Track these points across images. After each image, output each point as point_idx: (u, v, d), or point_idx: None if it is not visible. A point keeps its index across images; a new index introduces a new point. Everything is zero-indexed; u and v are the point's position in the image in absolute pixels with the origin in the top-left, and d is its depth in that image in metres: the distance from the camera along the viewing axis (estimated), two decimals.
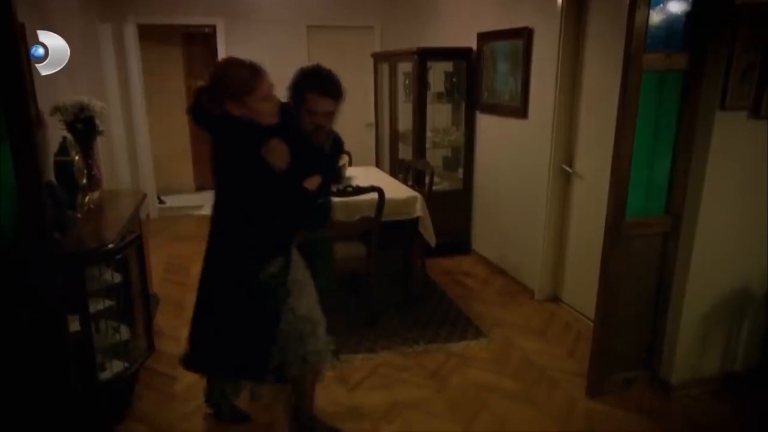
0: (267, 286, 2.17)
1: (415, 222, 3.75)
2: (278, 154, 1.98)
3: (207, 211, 7.17)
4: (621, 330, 2.85)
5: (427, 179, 4.26)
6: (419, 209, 3.73)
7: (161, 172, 6.75)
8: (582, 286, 3.75)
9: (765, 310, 2.90)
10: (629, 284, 2.80)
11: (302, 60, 6.53)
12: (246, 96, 1.94)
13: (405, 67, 5.23)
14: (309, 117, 2.11)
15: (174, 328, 3.63)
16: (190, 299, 4.13)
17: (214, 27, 6.13)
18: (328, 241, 2.84)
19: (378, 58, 5.96)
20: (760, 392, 2.90)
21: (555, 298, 4.10)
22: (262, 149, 1.96)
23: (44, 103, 3.02)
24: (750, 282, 2.85)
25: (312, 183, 2.10)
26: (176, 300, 4.10)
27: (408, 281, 4.06)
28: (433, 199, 4.07)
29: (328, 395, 2.89)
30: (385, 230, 3.52)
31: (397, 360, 3.25)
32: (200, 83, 1.98)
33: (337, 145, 2.29)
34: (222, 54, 6.14)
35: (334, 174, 2.35)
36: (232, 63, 2.02)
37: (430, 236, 3.81)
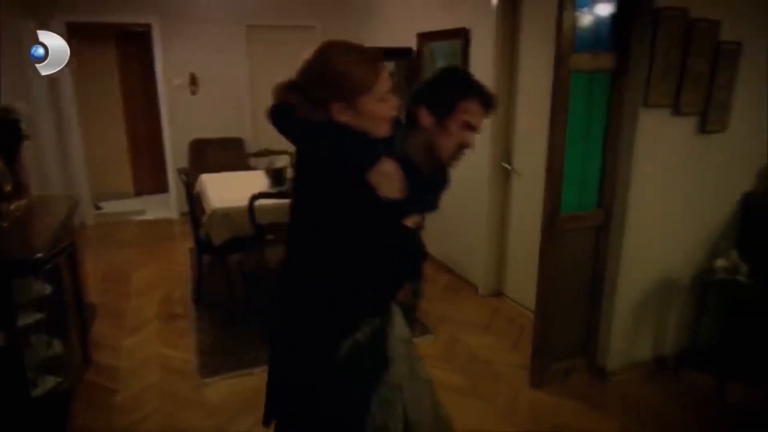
0: (352, 361, 1.56)
1: None
2: (393, 180, 1.41)
3: (148, 216, 6.94)
4: (560, 321, 2.96)
5: None
6: None
7: (97, 177, 6.49)
8: (523, 280, 3.86)
9: (691, 297, 3.08)
10: (566, 277, 2.91)
11: (241, 60, 6.51)
12: (361, 95, 1.40)
13: None
14: (460, 133, 1.58)
15: (113, 339, 3.51)
16: (131, 308, 4.06)
17: (149, 26, 5.94)
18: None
19: None
20: (688, 373, 3.08)
21: (499, 293, 4.20)
22: (369, 172, 1.39)
23: None
24: (676, 271, 3.02)
25: (414, 221, 1.57)
26: (116, 309, 3.95)
27: None
28: None
29: None
30: None
31: None
32: (287, 78, 1.50)
33: (446, 177, 1.73)
34: (158, 54, 5.96)
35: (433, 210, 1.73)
36: (343, 48, 1.44)
37: None
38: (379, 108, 1.43)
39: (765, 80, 2.85)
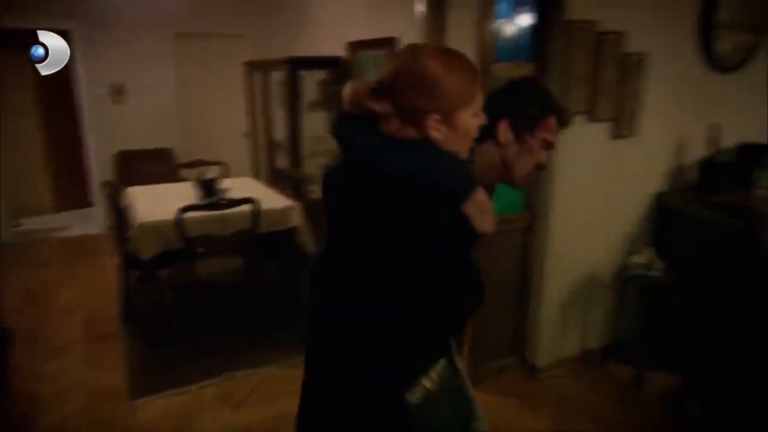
0: (431, 416, 1.33)
1: (294, 232, 3.74)
2: (487, 212, 1.22)
3: (72, 232, 6.60)
4: (493, 321, 3.06)
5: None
6: (297, 219, 3.72)
7: (13, 192, 6.11)
8: None
9: (613, 293, 3.25)
10: (498, 278, 3.01)
11: (169, 69, 6.33)
12: (460, 108, 1.20)
13: (278, 75, 5.19)
14: (539, 151, 1.47)
15: (34, 364, 3.31)
16: (52, 330, 3.85)
17: (67, 32, 5.67)
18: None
19: (251, 67, 5.86)
20: (612, 366, 3.25)
21: None
22: (466, 203, 1.19)
23: None
24: (599, 269, 3.18)
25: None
26: (37, 333, 3.73)
27: (292, 292, 4.03)
28: (313, 208, 4.08)
29: (212, 416, 2.80)
30: (264, 241, 3.48)
31: (281, 372, 3.22)
32: (364, 82, 1.26)
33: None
34: (79, 62, 5.71)
35: None
36: (443, 54, 1.20)
37: (309, 245, 3.82)
38: (474, 124, 1.24)
39: (670, 88, 3.06)
